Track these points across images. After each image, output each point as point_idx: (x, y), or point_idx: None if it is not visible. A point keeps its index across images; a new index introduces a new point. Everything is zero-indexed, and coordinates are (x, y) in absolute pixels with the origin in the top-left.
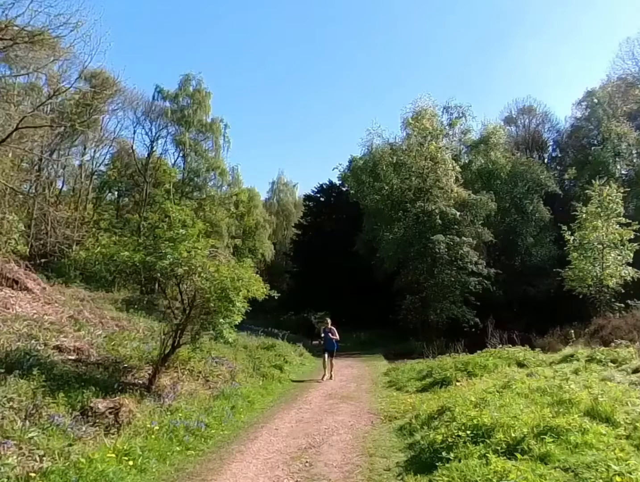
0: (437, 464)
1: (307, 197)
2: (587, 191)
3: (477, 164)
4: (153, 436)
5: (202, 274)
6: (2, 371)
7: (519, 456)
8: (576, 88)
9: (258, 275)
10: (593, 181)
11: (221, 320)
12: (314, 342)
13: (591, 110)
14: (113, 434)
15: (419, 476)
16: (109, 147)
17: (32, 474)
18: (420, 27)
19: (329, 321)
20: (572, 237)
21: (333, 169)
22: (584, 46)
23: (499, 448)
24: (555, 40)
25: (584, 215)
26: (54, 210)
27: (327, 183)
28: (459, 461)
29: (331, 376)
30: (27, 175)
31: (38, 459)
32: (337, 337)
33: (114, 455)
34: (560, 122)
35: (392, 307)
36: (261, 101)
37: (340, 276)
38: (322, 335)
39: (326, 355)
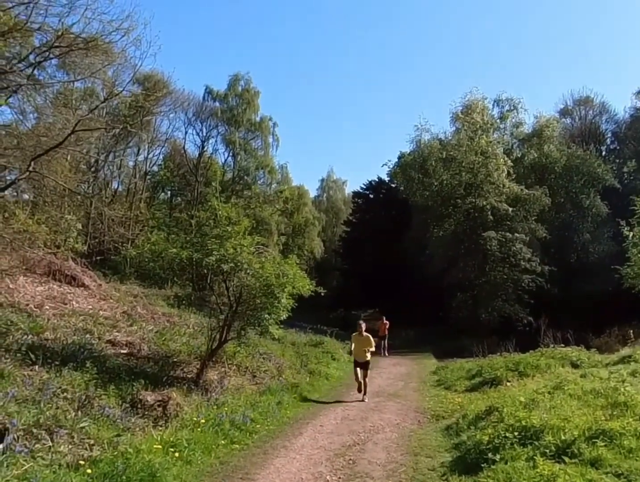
0: (482, 465)
1: (356, 194)
2: None
3: (530, 157)
4: (199, 429)
5: (247, 271)
6: (58, 363)
7: (568, 459)
8: (636, 77)
9: (306, 272)
10: None
11: (266, 316)
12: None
13: None
14: (161, 426)
15: (463, 476)
16: (162, 147)
17: (82, 462)
18: (469, 22)
19: None
20: (632, 233)
21: (382, 166)
22: None
23: (547, 451)
24: (612, 28)
25: None
26: (110, 210)
27: (376, 180)
28: (505, 463)
29: None
30: (84, 176)
31: (88, 447)
32: None
33: (160, 446)
34: (618, 113)
35: (442, 305)
36: (311, 99)
37: (390, 273)
38: None
39: None
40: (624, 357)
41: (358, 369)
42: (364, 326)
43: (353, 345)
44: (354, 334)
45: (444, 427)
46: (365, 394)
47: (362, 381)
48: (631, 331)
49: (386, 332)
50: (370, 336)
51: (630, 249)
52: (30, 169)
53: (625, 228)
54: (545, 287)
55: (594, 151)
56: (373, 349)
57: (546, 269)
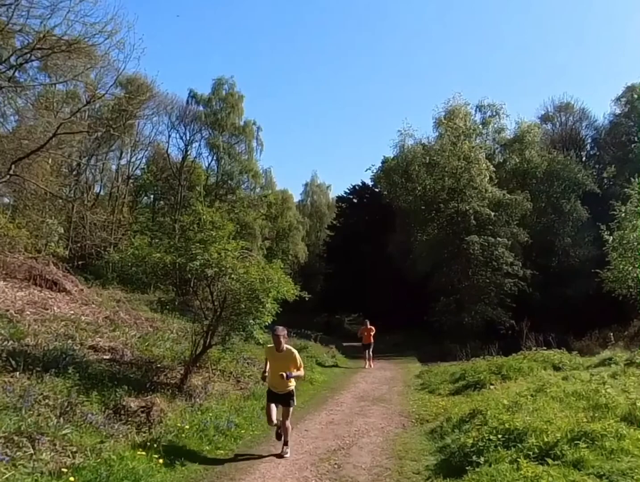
0: (467, 468)
1: (340, 199)
2: (626, 190)
3: (512, 163)
4: (183, 435)
5: (232, 276)
6: (39, 369)
7: (551, 461)
8: (615, 84)
9: (290, 276)
10: (632, 179)
11: (251, 321)
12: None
13: (631, 106)
14: (144, 432)
15: (448, 479)
16: (145, 151)
17: (65, 470)
18: (450, 28)
19: None
20: (611, 237)
21: (366, 170)
22: (623, 41)
23: (530, 453)
24: (592, 35)
25: (623, 214)
26: (92, 214)
27: (360, 184)
28: (490, 466)
29: None
30: (65, 180)
31: (71, 455)
32: None
33: (144, 453)
34: (598, 119)
35: (426, 309)
36: (295, 103)
37: (373, 277)
38: None
39: None
40: (605, 360)
41: (272, 404)
42: (283, 335)
43: (267, 365)
44: (268, 346)
45: (429, 430)
46: (286, 444)
47: (282, 424)
48: (611, 334)
49: (371, 340)
50: (294, 352)
51: (610, 253)
52: (11, 172)
53: (605, 232)
54: (527, 291)
55: (574, 157)
56: (301, 373)
57: (528, 273)
